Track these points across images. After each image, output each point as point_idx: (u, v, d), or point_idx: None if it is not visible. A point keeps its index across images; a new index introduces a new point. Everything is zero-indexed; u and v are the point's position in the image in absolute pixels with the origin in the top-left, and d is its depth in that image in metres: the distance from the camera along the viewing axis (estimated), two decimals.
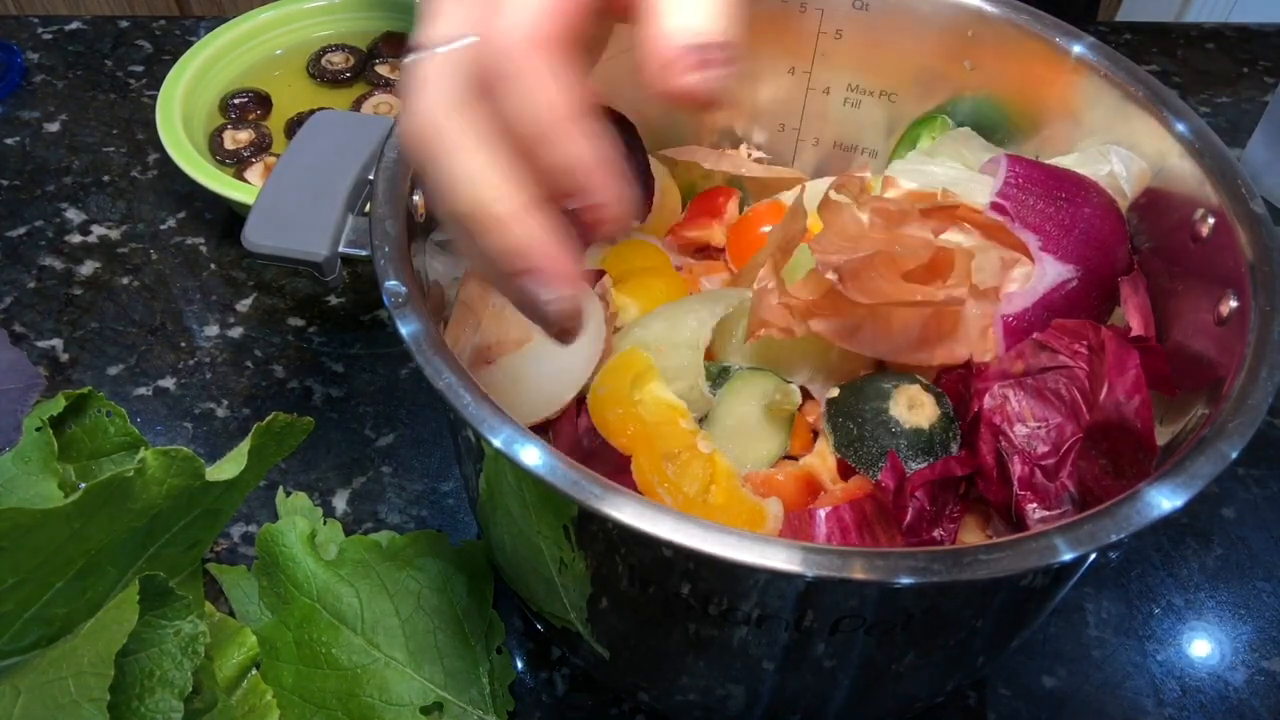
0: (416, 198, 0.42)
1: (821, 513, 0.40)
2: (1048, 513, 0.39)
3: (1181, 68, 0.87)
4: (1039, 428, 0.41)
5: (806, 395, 0.46)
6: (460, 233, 0.30)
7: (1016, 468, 0.40)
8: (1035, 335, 0.42)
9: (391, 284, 0.37)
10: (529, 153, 0.29)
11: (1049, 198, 0.45)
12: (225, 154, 0.68)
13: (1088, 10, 0.95)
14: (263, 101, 0.72)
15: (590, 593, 0.38)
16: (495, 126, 0.29)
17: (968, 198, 0.47)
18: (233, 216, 0.70)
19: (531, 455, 0.32)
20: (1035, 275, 0.44)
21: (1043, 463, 0.40)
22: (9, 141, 0.75)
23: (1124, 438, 0.39)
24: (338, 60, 0.76)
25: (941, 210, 0.45)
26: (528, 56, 0.28)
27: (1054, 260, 0.44)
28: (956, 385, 0.44)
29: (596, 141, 0.29)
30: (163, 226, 0.69)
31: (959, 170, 0.50)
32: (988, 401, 0.41)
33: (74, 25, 0.84)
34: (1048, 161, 0.48)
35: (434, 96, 0.30)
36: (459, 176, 0.29)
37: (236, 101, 0.72)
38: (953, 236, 0.46)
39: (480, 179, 0.29)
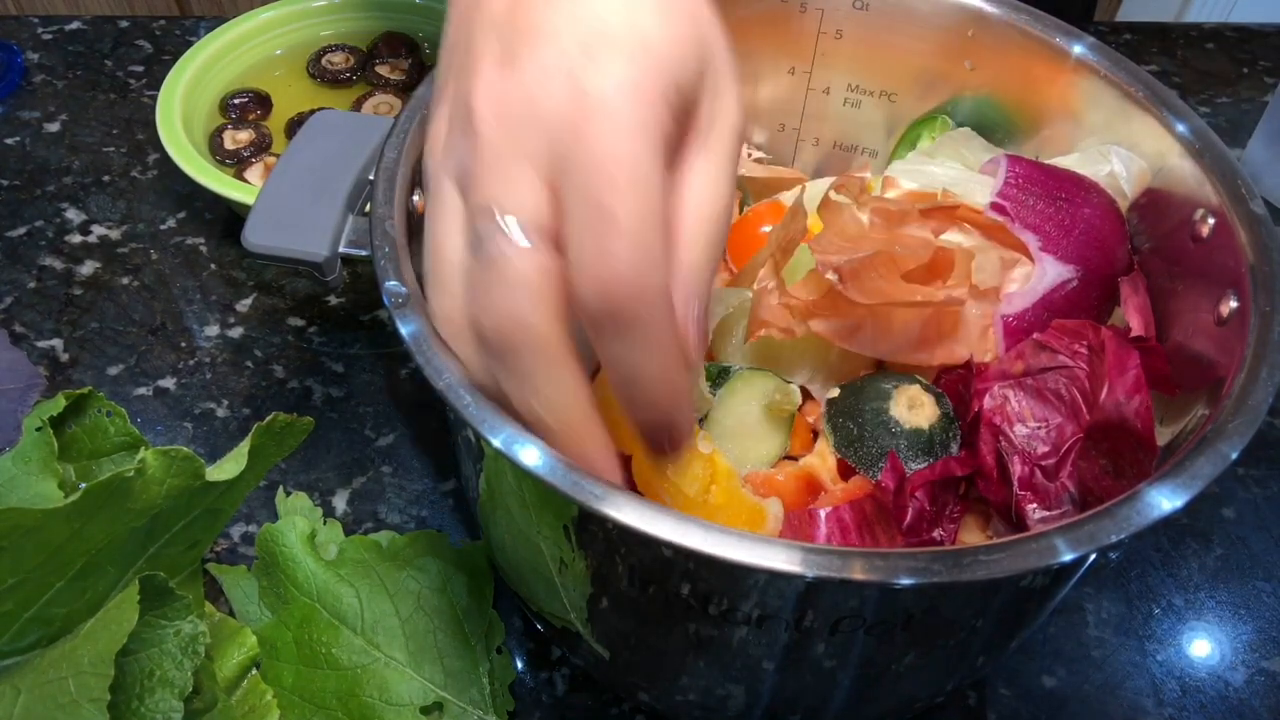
0: (416, 198, 0.42)
1: (822, 513, 0.40)
2: (1048, 513, 0.39)
3: (1181, 68, 0.87)
4: (1039, 428, 0.41)
5: (806, 395, 0.46)
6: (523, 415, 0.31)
7: (1016, 468, 0.40)
8: (1035, 335, 0.42)
9: (391, 284, 0.37)
10: (623, 387, 0.29)
11: (1049, 198, 0.45)
12: (225, 154, 0.68)
13: (1085, 13, 0.95)
14: (263, 101, 0.72)
15: (590, 593, 0.38)
16: (580, 345, 0.29)
17: (968, 198, 0.47)
18: (233, 216, 0.70)
19: (531, 455, 0.32)
20: (1035, 275, 0.44)
21: (1043, 463, 0.40)
22: (9, 141, 0.75)
23: (1124, 438, 0.39)
24: (338, 60, 0.76)
25: (941, 210, 0.45)
26: (653, 310, 0.26)
27: (1054, 260, 0.44)
28: (956, 385, 0.44)
29: (688, 384, 0.29)
30: (163, 226, 0.69)
31: (959, 170, 0.50)
32: (988, 402, 0.41)
33: (74, 25, 0.84)
34: (1048, 161, 0.48)
35: (535, 300, 0.27)
36: (550, 392, 0.29)
37: (236, 101, 0.72)
38: (953, 237, 0.46)
39: (569, 398, 0.29)
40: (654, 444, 0.31)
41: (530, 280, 0.27)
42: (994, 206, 0.45)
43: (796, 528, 0.40)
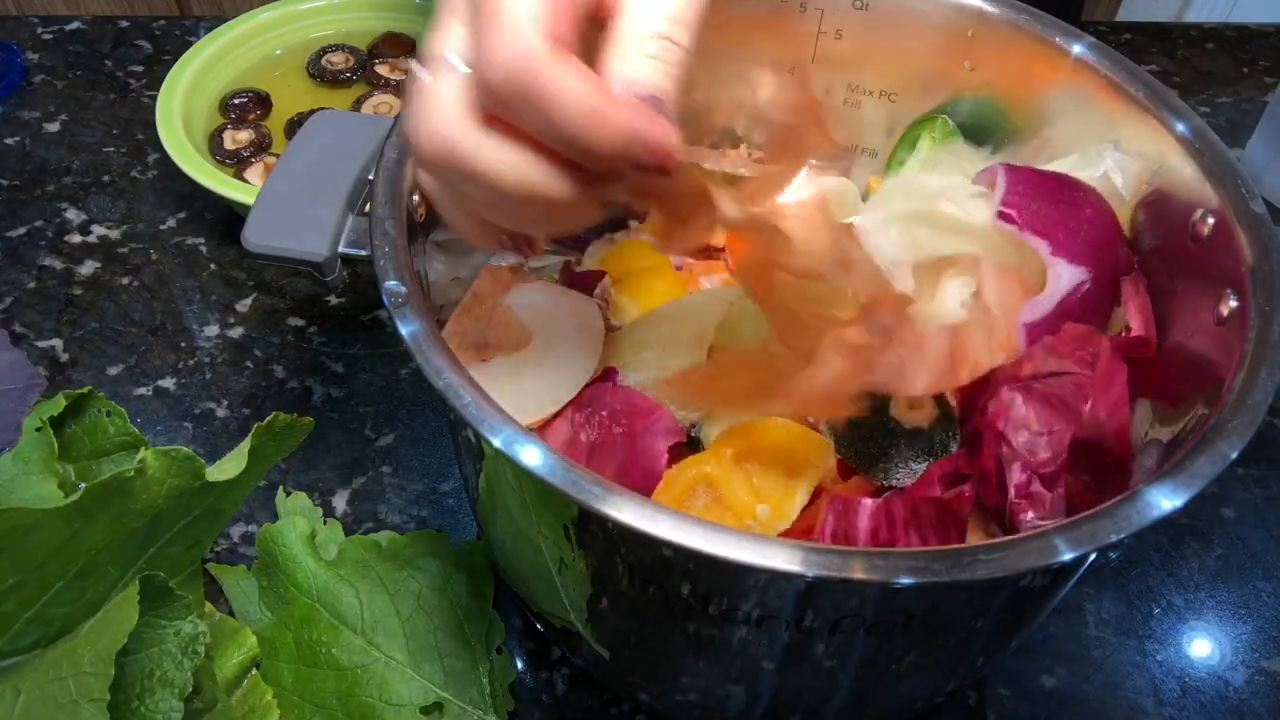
0: (416, 198, 0.42)
1: (868, 503, 0.39)
2: (1042, 522, 0.39)
3: (1181, 68, 0.87)
4: (1041, 434, 0.40)
5: None
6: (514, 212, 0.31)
7: (1014, 475, 0.40)
8: (1047, 339, 0.42)
9: (391, 284, 0.37)
10: (578, 149, 0.29)
11: (1052, 202, 0.45)
12: (225, 154, 0.68)
13: (1076, 14, 0.95)
14: (263, 101, 0.72)
15: (590, 593, 0.38)
16: (521, 134, 0.30)
17: (960, 206, 0.46)
18: (233, 216, 0.70)
19: (531, 455, 0.32)
20: (1050, 280, 0.44)
21: (1042, 470, 0.40)
22: (9, 141, 0.75)
23: (1104, 455, 0.38)
24: (338, 60, 0.76)
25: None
26: (538, 71, 0.28)
27: (1066, 264, 0.44)
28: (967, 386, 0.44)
29: (634, 106, 0.29)
30: (163, 226, 0.69)
31: (953, 179, 0.50)
32: (992, 405, 0.41)
33: (74, 25, 0.84)
34: (1047, 163, 0.48)
35: (449, 113, 0.30)
36: (496, 169, 0.30)
37: (236, 101, 0.72)
38: (958, 243, 0.46)
39: (519, 161, 0.30)
40: (642, 163, 0.30)
41: (436, 95, 0.30)
42: (1001, 216, 0.45)
43: (840, 513, 0.40)
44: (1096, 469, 0.39)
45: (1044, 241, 0.44)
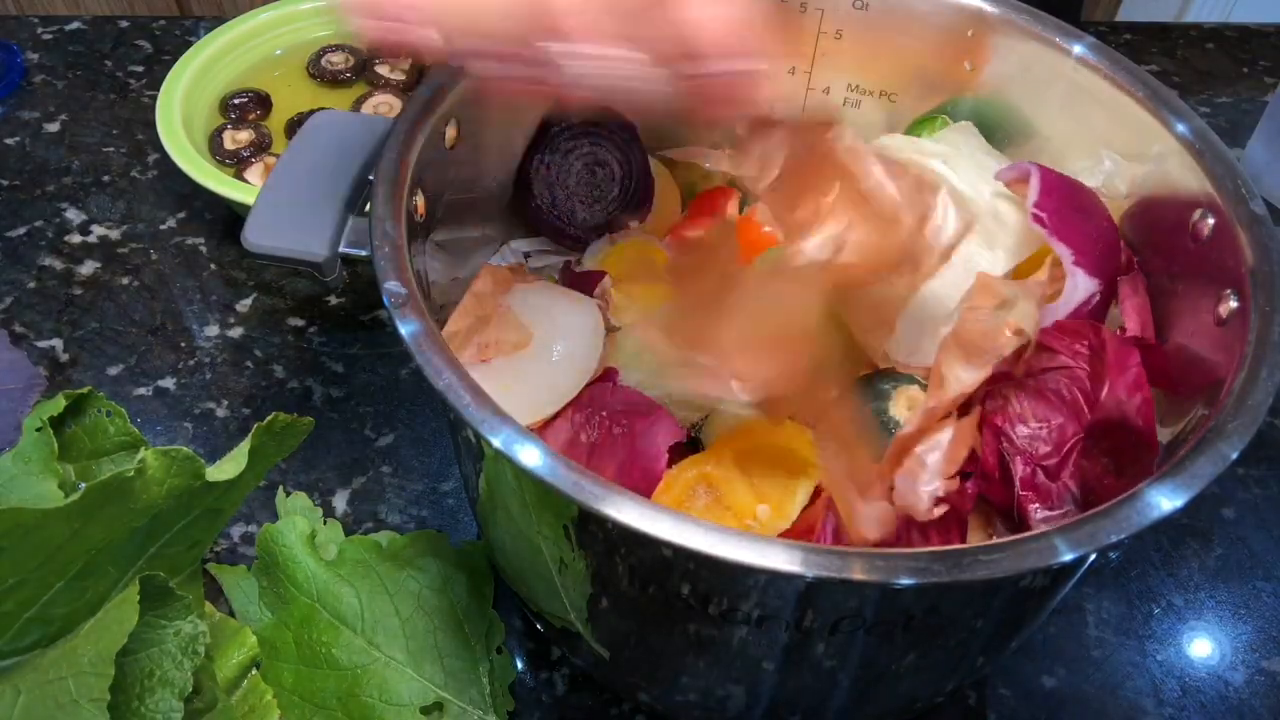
0: (417, 198, 0.42)
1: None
2: (1050, 513, 0.39)
3: (1181, 68, 0.87)
4: (1040, 428, 0.41)
5: None
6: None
7: (1018, 469, 0.40)
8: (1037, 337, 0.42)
9: (391, 284, 0.37)
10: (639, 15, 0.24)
11: (1078, 210, 0.44)
12: (225, 154, 0.68)
13: (1076, 15, 0.95)
14: (263, 101, 0.72)
15: (590, 593, 0.38)
16: None
17: (958, 173, 0.46)
18: (233, 216, 0.70)
19: (531, 455, 0.32)
20: (1067, 289, 0.44)
21: (1045, 463, 0.40)
22: (9, 141, 0.75)
23: (1125, 436, 0.39)
24: (338, 60, 0.76)
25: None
26: None
27: (1085, 275, 0.44)
28: None
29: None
30: (163, 226, 0.69)
31: (951, 148, 0.50)
32: (989, 403, 0.41)
33: (74, 25, 0.84)
34: (1049, 164, 0.48)
35: None
36: None
37: (236, 101, 0.72)
38: (978, 249, 0.46)
39: None
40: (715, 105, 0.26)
41: None
42: (1034, 218, 0.45)
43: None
44: (1116, 451, 0.39)
45: (1068, 249, 0.44)
